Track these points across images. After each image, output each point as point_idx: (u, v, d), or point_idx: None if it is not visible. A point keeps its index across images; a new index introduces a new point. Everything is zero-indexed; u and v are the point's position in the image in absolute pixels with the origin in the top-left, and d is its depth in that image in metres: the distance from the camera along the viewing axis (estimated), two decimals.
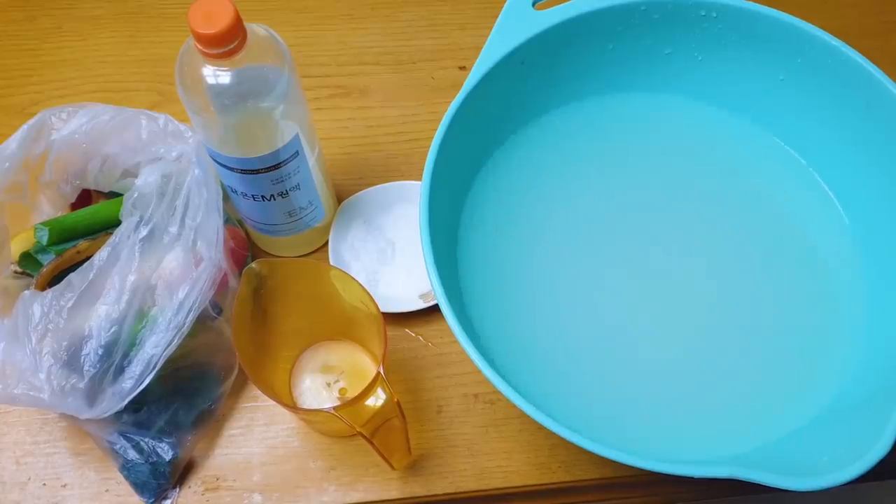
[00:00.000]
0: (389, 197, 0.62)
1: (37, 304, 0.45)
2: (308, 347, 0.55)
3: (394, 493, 0.52)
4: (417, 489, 0.52)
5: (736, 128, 0.59)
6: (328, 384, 0.53)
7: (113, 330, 0.45)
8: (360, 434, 0.44)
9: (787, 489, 0.39)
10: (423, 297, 0.57)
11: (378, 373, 0.45)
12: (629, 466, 0.40)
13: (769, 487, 0.39)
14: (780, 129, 0.58)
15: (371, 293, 0.47)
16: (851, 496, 0.82)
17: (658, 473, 0.40)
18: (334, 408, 0.44)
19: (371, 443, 0.45)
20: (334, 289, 0.50)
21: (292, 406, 0.52)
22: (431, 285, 0.44)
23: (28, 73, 0.70)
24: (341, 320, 0.52)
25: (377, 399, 0.45)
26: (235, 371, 0.54)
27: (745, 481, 0.39)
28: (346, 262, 0.59)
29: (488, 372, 0.41)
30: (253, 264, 0.48)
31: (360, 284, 0.48)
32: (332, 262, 0.58)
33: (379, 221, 0.61)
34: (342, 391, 0.53)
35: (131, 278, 0.46)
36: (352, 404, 0.44)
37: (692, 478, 0.39)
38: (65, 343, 0.45)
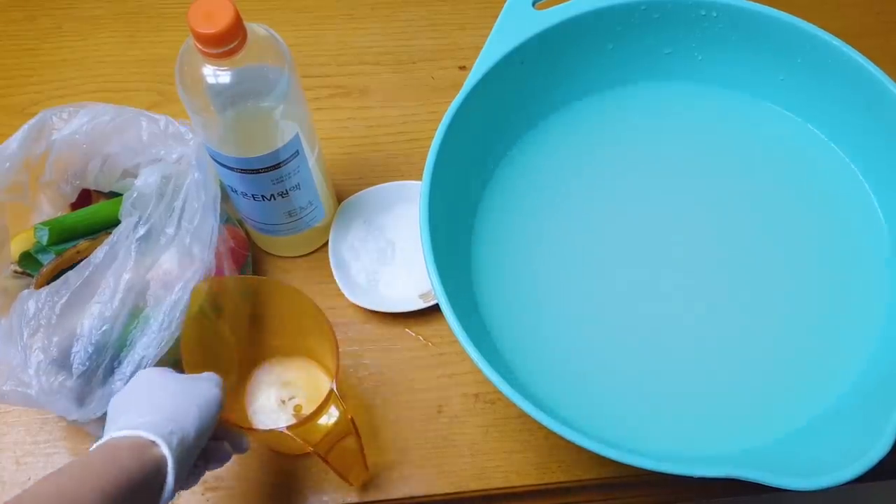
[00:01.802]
0: (389, 197, 0.62)
1: (32, 300, 0.45)
2: (264, 363, 0.54)
3: (394, 493, 0.52)
4: (418, 489, 0.52)
5: (746, 109, 0.57)
6: (283, 401, 0.53)
7: (104, 329, 0.45)
8: (315, 453, 0.44)
9: (787, 489, 0.39)
10: (423, 296, 0.57)
11: (331, 390, 0.44)
12: (629, 466, 0.40)
13: (769, 487, 0.39)
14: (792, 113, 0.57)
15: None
16: (851, 496, 0.82)
17: (658, 473, 0.40)
18: (287, 427, 0.43)
19: (326, 461, 0.44)
20: (287, 305, 0.49)
21: (246, 426, 0.50)
22: (431, 285, 0.44)
23: (28, 73, 0.70)
24: (296, 336, 0.52)
25: (331, 417, 0.44)
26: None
27: (745, 481, 0.39)
28: (347, 261, 0.59)
29: (488, 371, 0.41)
30: (202, 283, 0.47)
31: (311, 301, 0.47)
32: (332, 263, 0.58)
33: (379, 221, 0.61)
34: (297, 408, 0.52)
35: (126, 277, 0.46)
36: (305, 423, 0.44)
37: (692, 477, 0.39)
38: (55, 339, 0.45)
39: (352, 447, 0.45)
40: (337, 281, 0.57)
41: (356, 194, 0.61)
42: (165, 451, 0.37)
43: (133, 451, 0.36)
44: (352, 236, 0.60)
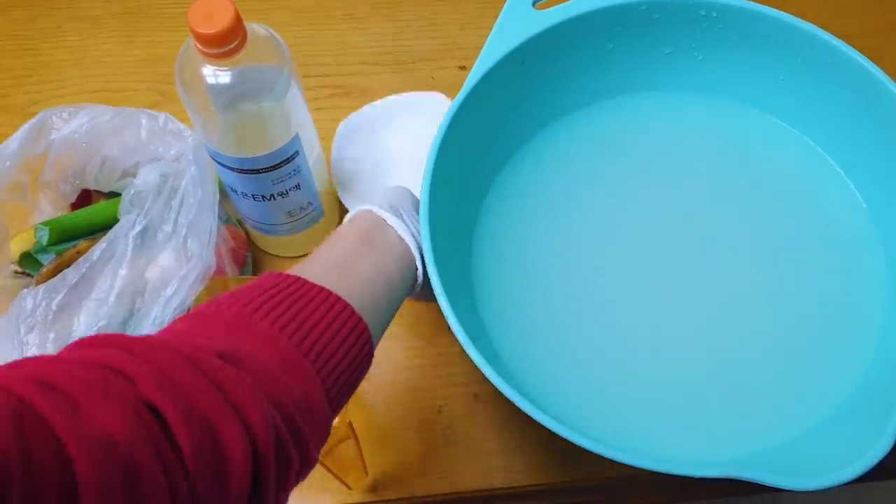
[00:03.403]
0: (392, 112, 0.61)
1: (30, 297, 0.45)
2: None
3: (394, 493, 0.52)
4: (417, 489, 0.52)
5: (741, 118, 0.58)
6: None
7: (101, 326, 0.45)
8: None
9: (787, 489, 0.39)
10: None
11: None
12: (629, 466, 0.40)
13: (769, 487, 0.39)
14: (780, 127, 0.58)
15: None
16: (851, 496, 0.82)
17: (658, 473, 0.40)
18: None
19: (323, 464, 0.44)
20: None
21: None
22: (432, 284, 0.44)
23: (28, 73, 0.70)
24: None
25: None
26: None
27: (745, 481, 0.39)
28: (347, 181, 0.58)
29: (488, 371, 0.41)
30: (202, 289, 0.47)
31: None
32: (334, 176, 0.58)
33: (379, 136, 0.60)
34: None
35: (122, 273, 0.46)
36: None
37: (692, 478, 0.39)
38: (52, 336, 0.45)
39: (350, 451, 0.45)
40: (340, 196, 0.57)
41: (354, 113, 0.61)
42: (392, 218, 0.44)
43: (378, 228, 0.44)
44: (353, 155, 0.59)
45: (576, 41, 0.54)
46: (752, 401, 0.49)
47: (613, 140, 0.58)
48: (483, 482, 0.52)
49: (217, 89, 0.44)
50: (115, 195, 0.55)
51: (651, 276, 0.53)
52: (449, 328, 0.43)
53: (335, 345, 0.35)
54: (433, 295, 0.45)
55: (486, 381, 0.41)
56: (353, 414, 0.53)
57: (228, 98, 0.45)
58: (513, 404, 0.41)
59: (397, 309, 0.43)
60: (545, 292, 0.53)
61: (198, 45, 0.42)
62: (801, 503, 0.86)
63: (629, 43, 0.56)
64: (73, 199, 0.56)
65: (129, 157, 0.52)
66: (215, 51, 0.42)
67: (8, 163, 0.50)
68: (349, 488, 0.48)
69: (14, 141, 0.50)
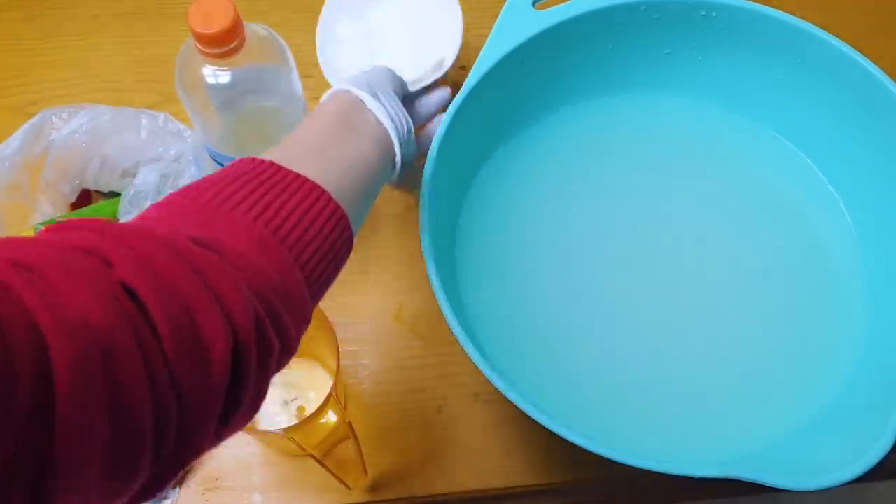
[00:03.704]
0: None
1: None
2: None
3: (394, 493, 0.52)
4: (417, 489, 0.52)
5: (736, 125, 0.59)
6: (286, 402, 0.52)
7: None
8: (312, 456, 0.44)
9: (787, 489, 0.39)
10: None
11: (330, 393, 0.44)
12: (629, 466, 0.40)
13: (769, 487, 0.39)
14: (780, 127, 0.58)
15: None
16: (851, 496, 0.82)
17: (658, 473, 0.40)
18: (285, 429, 0.43)
19: (322, 464, 0.44)
20: None
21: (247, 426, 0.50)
22: (431, 285, 0.44)
23: (28, 73, 0.70)
24: None
25: (331, 419, 0.44)
26: None
27: (745, 481, 0.39)
28: (333, 59, 0.57)
29: (488, 371, 0.41)
30: None
31: None
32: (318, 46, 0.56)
33: (365, 14, 0.59)
34: (300, 409, 0.52)
35: None
36: (302, 426, 0.44)
37: (692, 478, 0.39)
38: None
39: (350, 451, 0.45)
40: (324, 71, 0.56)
41: None
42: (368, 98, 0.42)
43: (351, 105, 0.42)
44: (338, 31, 0.58)
45: (576, 41, 0.54)
46: (751, 401, 0.49)
47: (604, 141, 0.59)
48: (483, 482, 0.52)
49: (217, 89, 0.44)
50: (115, 195, 0.55)
51: (645, 276, 0.53)
52: (449, 328, 0.43)
53: (313, 232, 0.34)
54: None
55: (486, 381, 0.41)
56: (352, 414, 0.53)
57: (228, 98, 0.45)
58: (513, 404, 0.41)
59: (376, 195, 0.42)
60: (540, 292, 0.53)
61: (198, 45, 0.42)
62: (800, 503, 0.85)
63: (629, 43, 0.56)
64: (73, 199, 0.56)
65: (129, 157, 0.53)
66: (215, 51, 0.42)
67: (8, 163, 0.50)
68: (349, 488, 0.48)
69: (14, 141, 0.51)
